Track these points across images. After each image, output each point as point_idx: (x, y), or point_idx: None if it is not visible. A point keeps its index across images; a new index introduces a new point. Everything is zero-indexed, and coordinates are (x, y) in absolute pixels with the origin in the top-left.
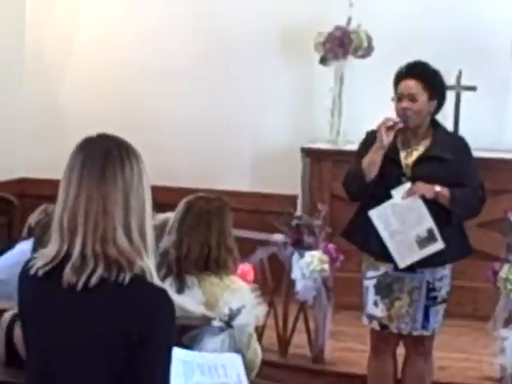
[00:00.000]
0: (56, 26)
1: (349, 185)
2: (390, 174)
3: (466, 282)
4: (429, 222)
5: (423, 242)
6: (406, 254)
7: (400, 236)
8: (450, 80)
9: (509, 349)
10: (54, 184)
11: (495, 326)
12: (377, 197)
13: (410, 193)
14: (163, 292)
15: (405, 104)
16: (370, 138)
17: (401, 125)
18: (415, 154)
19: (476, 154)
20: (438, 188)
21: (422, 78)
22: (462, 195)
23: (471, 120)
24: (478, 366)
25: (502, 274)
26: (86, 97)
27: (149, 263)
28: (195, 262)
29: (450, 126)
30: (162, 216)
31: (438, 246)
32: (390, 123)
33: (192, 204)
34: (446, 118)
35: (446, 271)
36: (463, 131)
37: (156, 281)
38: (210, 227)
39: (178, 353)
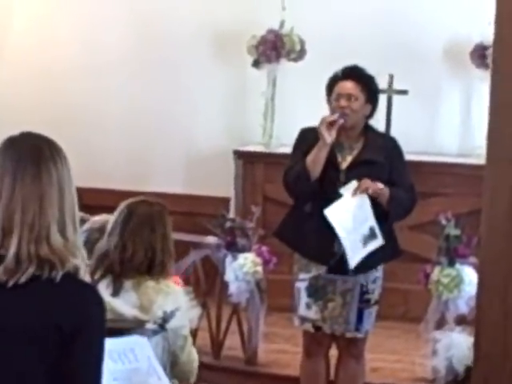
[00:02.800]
0: None
1: (292, 184)
2: (328, 177)
3: (398, 284)
4: (371, 220)
5: (366, 239)
6: (356, 253)
7: (354, 234)
8: (381, 84)
9: (442, 351)
10: None
11: (427, 327)
12: (314, 197)
13: (358, 189)
14: (93, 289)
15: (343, 102)
16: (306, 133)
17: (341, 120)
18: (349, 159)
19: (407, 157)
20: (380, 185)
21: (360, 80)
22: (398, 195)
23: (402, 123)
24: (410, 367)
25: (434, 276)
26: (17, 93)
27: (82, 260)
28: (139, 265)
29: (381, 130)
30: (99, 218)
31: (379, 242)
32: (331, 119)
33: (134, 207)
34: (377, 121)
35: (378, 273)
36: (395, 135)
37: (86, 278)
38: (154, 231)
39: None
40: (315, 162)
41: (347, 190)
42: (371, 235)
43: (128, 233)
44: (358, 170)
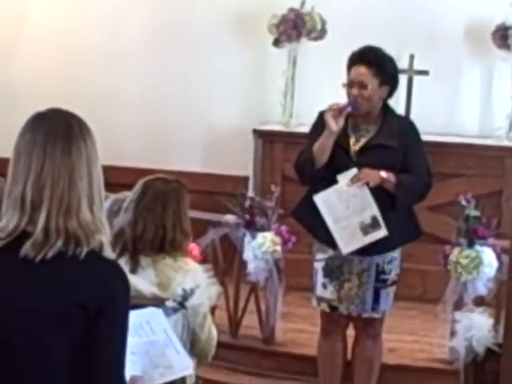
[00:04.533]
0: (5, 10)
1: (300, 169)
2: (339, 160)
3: (416, 265)
4: (373, 209)
5: (367, 229)
6: (349, 241)
7: (344, 222)
8: (402, 64)
9: (461, 331)
10: (2, 163)
11: (445, 308)
12: (324, 182)
13: (355, 179)
14: (118, 266)
15: (355, 91)
16: (322, 118)
17: (349, 109)
18: (363, 141)
19: (427, 137)
20: (383, 174)
21: (373, 64)
22: (407, 181)
23: (423, 104)
24: (428, 348)
25: (453, 257)
26: (37, 78)
27: (105, 237)
28: (150, 242)
29: (401, 110)
30: (120, 195)
31: (382, 233)
32: (336, 107)
33: (149, 184)
34: (398, 102)
35: (395, 254)
36: (415, 115)
37: (110, 255)
38: (165, 209)
39: None
40: (321, 149)
41: (344, 178)
42: (373, 225)
43: (141, 209)
44: (370, 155)
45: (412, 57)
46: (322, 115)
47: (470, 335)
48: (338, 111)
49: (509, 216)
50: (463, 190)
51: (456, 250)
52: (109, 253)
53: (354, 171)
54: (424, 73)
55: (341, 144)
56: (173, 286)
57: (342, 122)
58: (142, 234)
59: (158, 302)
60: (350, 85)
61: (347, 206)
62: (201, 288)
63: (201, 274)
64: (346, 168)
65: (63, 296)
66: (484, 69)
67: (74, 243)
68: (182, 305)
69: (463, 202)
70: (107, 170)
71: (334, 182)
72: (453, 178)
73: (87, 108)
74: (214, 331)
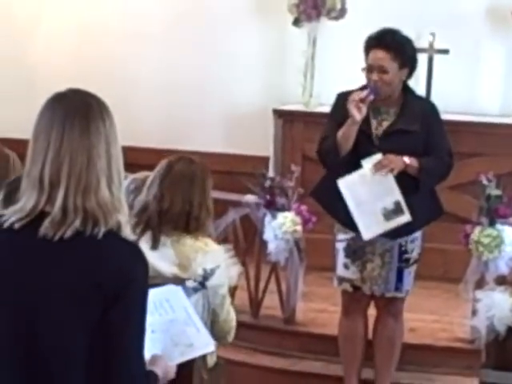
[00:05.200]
0: None
1: (324, 156)
2: (361, 146)
3: (437, 245)
4: (396, 195)
5: (389, 215)
6: (371, 226)
7: (366, 207)
8: (422, 43)
9: (482, 310)
10: (22, 144)
11: (466, 287)
12: (347, 166)
13: (378, 166)
14: (136, 247)
15: (375, 76)
16: (342, 99)
17: (371, 97)
18: (385, 124)
19: (448, 117)
20: (407, 160)
21: (392, 47)
22: (429, 164)
23: (443, 83)
24: (449, 327)
25: (474, 236)
26: (56, 60)
27: (123, 216)
28: (176, 217)
29: (422, 90)
30: (138, 174)
31: (405, 218)
32: (360, 97)
33: (174, 163)
34: (418, 81)
35: (417, 233)
36: (435, 94)
37: (128, 234)
38: (193, 185)
39: None
40: (345, 137)
41: (368, 163)
42: (396, 210)
43: (167, 183)
44: (392, 140)
45: (432, 35)
46: (340, 97)
47: (491, 314)
48: (360, 101)
49: None
50: (484, 169)
51: (477, 230)
52: (127, 233)
53: (378, 157)
54: (444, 52)
55: (363, 129)
56: (193, 267)
57: (365, 110)
58: (168, 209)
59: (178, 281)
60: (369, 70)
61: (370, 192)
62: (221, 268)
63: (221, 254)
64: (369, 153)
65: (81, 275)
66: (505, 47)
67: (92, 223)
68: (202, 284)
69: (484, 181)
70: (126, 150)
71: (357, 166)
72: (474, 157)
73: (107, 89)
74: (233, 313)
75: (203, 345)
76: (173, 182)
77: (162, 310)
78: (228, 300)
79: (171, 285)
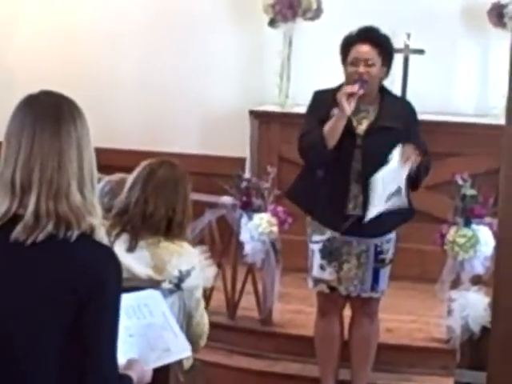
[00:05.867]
0: None
1: (307, 151)
2: (343, 142)
3: (414, 245)
4: (401, 183)
5: (389, 197)
6: (375, 209)
7: (392, 200)
8: (398, 43)
9: (457, 310)
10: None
11: (442, 288)
12: (328, 163)
13: (405, 158)
14: (110, 250)
15: (361, 69)
16: (320, 96)
17: (361, 91)
18: (365, 122)
19: (423, 117)
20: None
21: (377, 43)
22: (424, 162)
23: (419, 83)
24: (426, 327)
25: (450, 236)
26: (34, 61)
27: (97, 219)
28: (158, 222)
29: (397, 90)
30: (113, 176)
31: (400, 201)
32: (351, 91)
33: (156, 167)
34: (393, 81)
35: (392, 234)
36: (411, 94)
37: (102, 237)
38: (176, 192)
39: None
40: (333, 131)
41: (394, 157)
42: (396, 193)
43: (151, 188)
44: (376, 137)
45: (408, 36)
46: (318, 95)
47: (465, 314)
48: (349, 95)
49: None
50: (460, 169)
51: (453, 230)
52: (101, 236)
53: (399, 149)
54: (420, 52)
55: (345, 126)
56: (168, 269)
57: (353, 104)
58: (152, 214)
59: (153, 283)
60: (354, 64)
61: (395, 183)
62: (196, 270)
63: (196, 256)
64: (351, 150)
65: (54, 278)
66: (480, 47)
67: (65, 226)
68: (178, 286)
69: (460, 181)
70: (102, 152)
71: (337, 163)
72: (449, 157)
73: (84, 90)
74: (206, 316)
75: (180, 350)
76: (156, 188)
77: (140, 314)
78: (202, 303)
79: (151, 289)
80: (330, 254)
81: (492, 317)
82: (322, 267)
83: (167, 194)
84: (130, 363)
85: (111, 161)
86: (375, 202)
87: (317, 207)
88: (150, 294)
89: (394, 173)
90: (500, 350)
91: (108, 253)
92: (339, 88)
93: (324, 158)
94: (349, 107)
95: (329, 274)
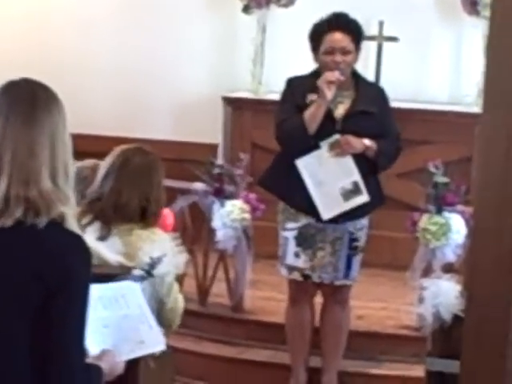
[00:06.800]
0: None
1: (287, 138)
2: (323, 128)
3: (385, 232)
4: (355, 176)
5: (348, 195)
6: (330, 206)
7: (326, 187)
8: (371, 31)
9: (428, 298)
10: None
11: (413, 275)
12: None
13: (336, 145)
14: (79, 238)
15: (338, 58)
16: (293, 83)
17: (342, 78)
18: (341, 108)
19: (397, 104)
20: (367, 142)
21: (349, 30)
22: (385, 147)
23: (393, 71)
24: (396, 315)
25: (421, 224)
26: (3, 46)
27: (71, 208)
28: (132, 213)
29: (371, 77)
30: (85, 163)
31: (363, 198)
32: (334, 78)
33: (130, 155)
34: (367, 68)
35: (365, 221)
36: (384, 82)
37: (73, 227)
38: (151, 182)
39: None
40: (314, 117)
41: (326, 144)
42: (355, 190)
43: (124, 178)
44: (355, 121)
45: (381, 23)
46: (292, 82)
47: (437, 302)
48: (330, 82)
49: None
50: (432, 157)
51: (425, 217)
52: (72, 225)
53: (336, 137)
54: (393, 39)
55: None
56: (140, 255)
57: (334, 90)
58: (125, 204)
59: (124, 270)
60: (330, 52)
61: (329, 172)
62: (168, 256)
63: (168, 242)
64: (330, 135)
65: (21, 264)
66: (454, 35)
67: (34, 212)
68: (149, 273)
69: (432, 169)
70: (75, 138)
71: (317, 148)
72: (422, 145)
73: (55, 76)
74: (181, 300)
75: (154, 343)
76: (130, 178)
77: (116, 306)
78: (175, 288)
79: (129, 281)
80: (305, 240)
81: (466, 305)
82: (296, 255)
83: (141, 183)
84: (102, 354)
85: (83, 147)
86: (321, 198)
87: (292, 194)
88: (128, 285)
89: (318, 159)
90: (473, 339)
91: (78, 242)
92: (314, 74)
93: (305, 144)
94: (330, 93)
95: (303, 262)
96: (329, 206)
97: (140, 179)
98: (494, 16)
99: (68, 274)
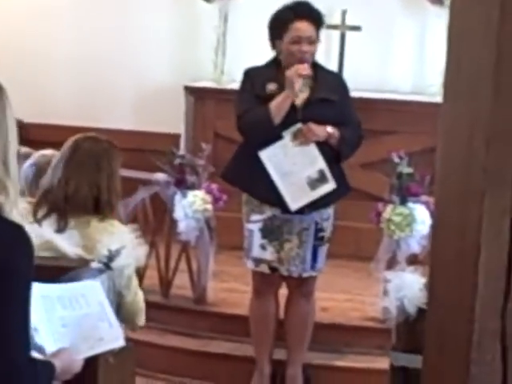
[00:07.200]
0: None
1: (251, 129)
2: (285, 117)
3: (349, 223)
4: (320, 164)
5: (314, 184)
6: (297, 196)
7: (292, 178)
8: (334, 20)
9: (393, 291)
10: None
11: (378, 267)
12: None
13: (299, 134)
14: (19, 228)
15: (306, 47)
16: (251, 73)
17: (311, 73)
18: (302, 96)
19: (360, 94)
20: (330, 129)
21: (313, 19)
22: (348, 135)
23: (356, 60)
24: (361, 306)
25: (386, 214)
26: None
27: (9, 197)
28: (83, 201)
29: (334, 67)
30: (47, 152)
31: (330, 186)
32: (305, 72)
33: (80, 142)
34: (330, 58)
35: (330, 211)
36: (347, 72)
37: (14, 216)
38: (100, 169)
39: (34, 288)
40: (280, 108)
41: (289, 134)
42: (321, 179)
43: (71, 167)
44: (315, 109)
45: (344, 12)
46: (250, 72)
47: (401, 295)
48: (303, 74)
49: None
50: (396, 147)
51: (389, 208)
52: (11, 214)
53: (298, 126)
54: (356, 28)
55: None
56: (98, 248)
57: (300, 83)
58: (73, 194)
59: (82, 263)
60: (297, 42)
61: (294, 162)
62: (127, 249)
63: (127, 234)
64: (293, 124)
65: None
66: (417, 25)
67: None
68: (107, 266)
69: (396, 159)
70: (34, 127)
71: (279, 138)
72: (386, 135)
73: (16, 65)
74: (141, 294)
75: (113, 339)
76: (78, 166)
77: (76, 305)
78: (135, 281)
79: (90, 280)
80: (271, 233)
81: (428, 299)
82: (262, 247)
83: (89, 172)
84: (58, 352)
85: (43, 136)
86: (286, 189)
87: (256, 185)
88: (89, 284)
89: (282, 150)
90: (436, 334)
91: (18, 233)
92: (273, 63)
93: (269, 134)
94: (298, 86)
95: (270, 254)
96: (296, 196)
97: (87, 167)
98: (454, 4)
99: (5, 268)
